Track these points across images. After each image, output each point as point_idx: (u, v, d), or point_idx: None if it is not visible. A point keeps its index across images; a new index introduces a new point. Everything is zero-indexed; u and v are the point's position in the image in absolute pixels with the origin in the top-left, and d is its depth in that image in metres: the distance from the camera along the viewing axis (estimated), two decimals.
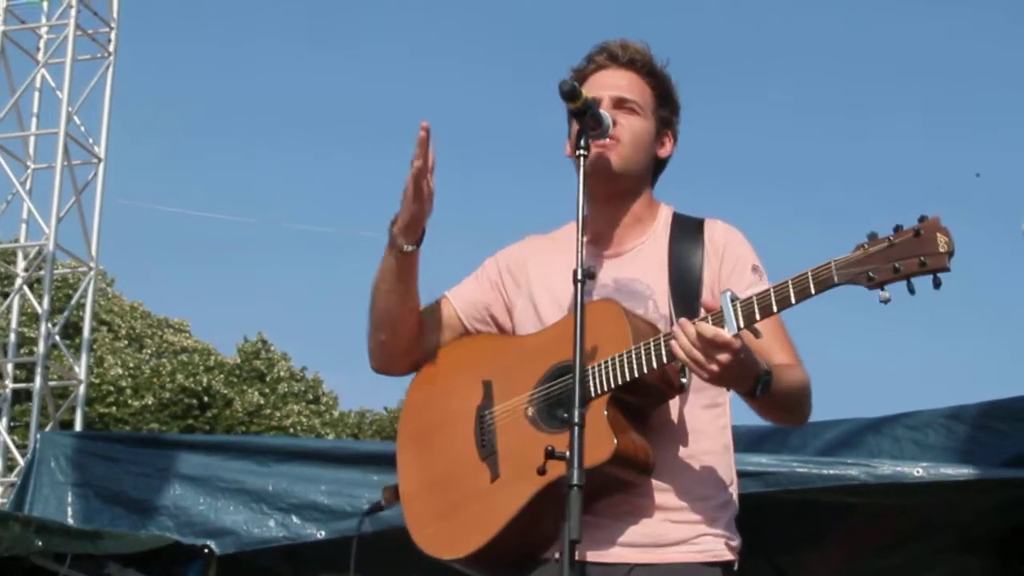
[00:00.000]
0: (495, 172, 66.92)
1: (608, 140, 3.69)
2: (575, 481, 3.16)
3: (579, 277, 3.39)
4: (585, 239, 3.47)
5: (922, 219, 3.10)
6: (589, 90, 3.76)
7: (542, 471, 3.31)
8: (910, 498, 6.59)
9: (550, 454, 3.26)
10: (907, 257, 3.07)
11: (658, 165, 3.92)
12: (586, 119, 3.56)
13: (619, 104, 3.78)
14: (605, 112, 3.65)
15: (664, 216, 3.85)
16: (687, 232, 3.77)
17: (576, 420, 3.23)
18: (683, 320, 3.33)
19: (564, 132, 3.90)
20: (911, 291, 3.10)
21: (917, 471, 6.27)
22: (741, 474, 6.30)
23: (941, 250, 3.05)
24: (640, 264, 3.75)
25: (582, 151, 3.53)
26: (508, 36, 68.83)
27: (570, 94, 3.51)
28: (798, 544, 7.73)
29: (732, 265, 3.70)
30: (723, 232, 3.77)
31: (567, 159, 3.83)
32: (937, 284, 3.08)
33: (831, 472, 6.37)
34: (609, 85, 3.81)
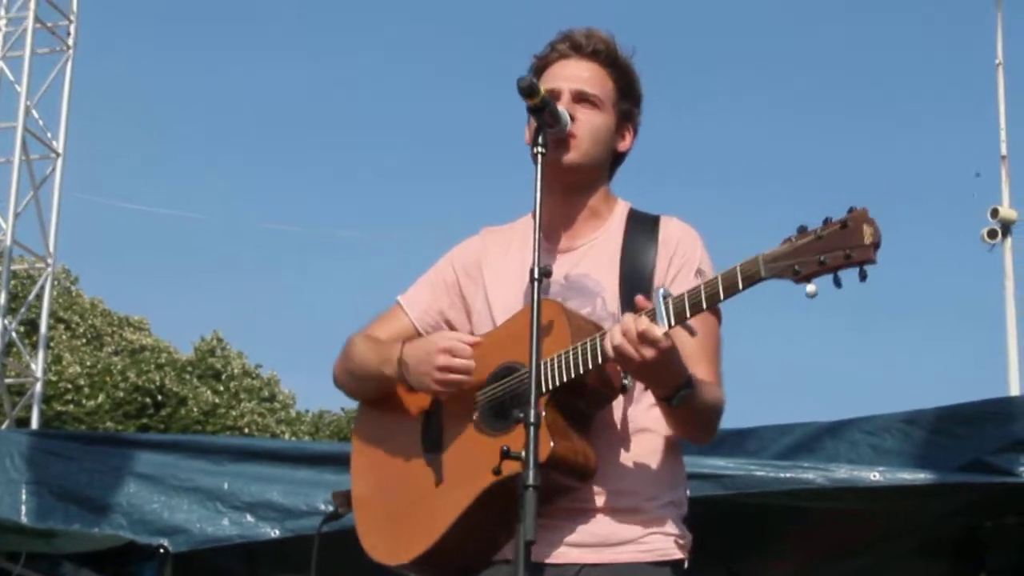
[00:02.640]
0: (448, 173, 66.78)
1: (566, 136, 3.66)
2: (530, 482, 3.14)
3: (536, 276, 3.37)
4: (540, 233, 3.45)
5: (851, 211, 3.06)
6: (550, 80, 3.74)
7: (497, 471, 3.28)
8: (867, 503, 6.60)
9: (505, 454, 3.23)
10: (833, 250, 3.03)
11: (616, 159, 3.88)
12: (544, 115, 3.53)
13: (579, 98, 3.73)
14: (563, 109, 3.63)
15: (620, 211, 3.82)
16: (641, 229, 3.73)
17: (532, 420, 3.20)
18: (622, 318, 3.30)
19: (523, 120, 3.83)
20: (837, 284, 3.06)
21: (874, 475, 6.29)
22: (698, 476, 6.37)
23: (867, 242, 3.00)
24: (591, 260, 3.72)
25: (540, 148, 3.51)
26: (477, 34, 68.81)
27: (528, 91, 3.48)
28: (755, 548, 7.74)
29: (679, 266, 3.67)
30: (677, 231, 3.73)
31: (526, 147, 3.78)
32: (863, 277, 3.04)
33: (788, 476, 6.38)
34: (570, 77, 3.76)
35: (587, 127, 3.71)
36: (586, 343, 3.36)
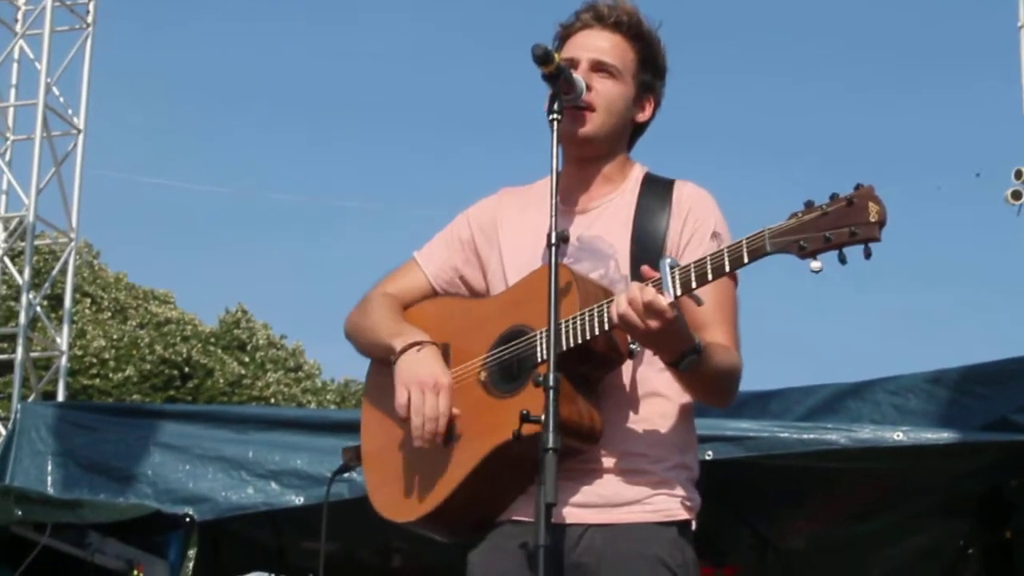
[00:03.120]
0: (474, 144, 66.75)
1: (581, 104, 3.65)
2: (550, 445, 3.14)
3: (553, 241, 3.37)
4: (557, 198, 3.44)
5: (857, 187, 3.06)
6: (571, 50, 3.73)
7: (517, 435, 3.29)
8: (891, 462, 6.61)
9: (525, 418, 3.23)
10: (839, 226, 3.04)
11: (636, 129, 3.86)
12: (559, 83, 3.52)
13: (597, 67, 3.70)
14: (579, 76, 3.61)
15: (635, 175, 3.79)
16: (655, 192, 3.71)
17: (552, 384, 3.21)
18: (628, 287, 3.30)
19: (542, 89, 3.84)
20: (842, 261, 3.06)
21: (897, 435, 6.29)
22: (721, 439, 6.38)
23: (872, 219, 3.00)
24: (605, 221, 3.70)
25: (555, 115, 3.50)
26: (490, 8, 68.64)
27: (543, 58, 3.46)
28: (779, 510, 7.76)
29: (692, 230, 3.64)
30: (690, 194, 3.71)
31: (532, 130, 3.82)
32: (868, 254, 3.04)
33: (811, 437, 6.39)
34: (590, 47, 3.73)
35: (603, 96, 3.69)
36: (594, 309, 3.36)
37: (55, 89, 15.39)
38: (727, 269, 3.19)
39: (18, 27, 15.55)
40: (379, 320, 3.80)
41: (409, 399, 3.53)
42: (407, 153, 63.35)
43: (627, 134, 3.83)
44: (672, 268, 3.23)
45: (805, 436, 6.41)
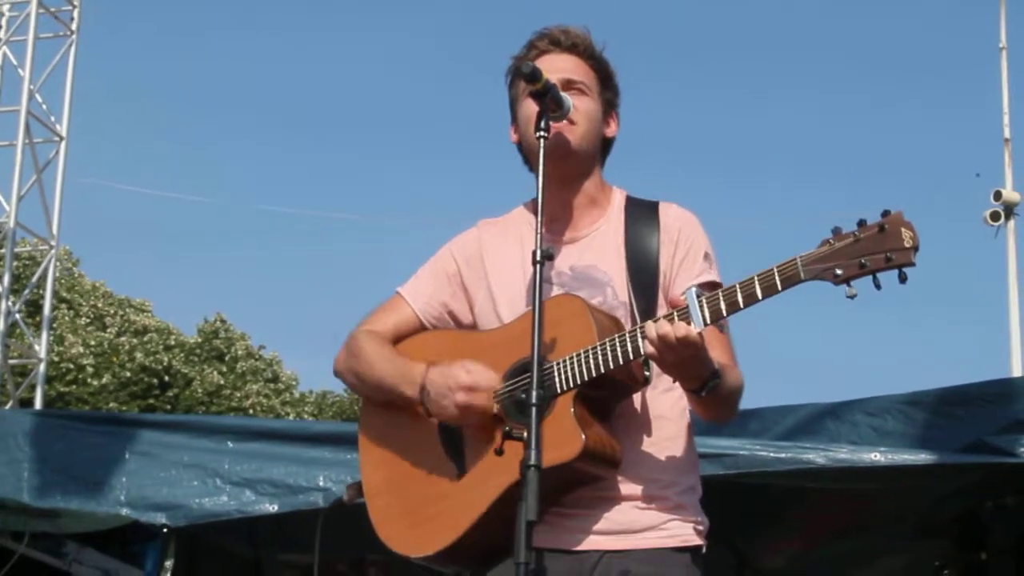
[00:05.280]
0: (446, 157, 66.78)
1: (566, 122, 3.67)
2: (532, 462, 3.15)
3: (538, 259, 3.38)
4: (542, 218, 3.46)
5: (886, 213, 3.10)
6: None
7: (500, 452, 3.30)
8: (868, 483, 6.62)
9: (507, 434, 3.25)
10: (873, 253, 3.08)
11: (605, 146, 3.91)
12: (546, 101, 3.55)
13: (567, 86, 3.74)
14: (564, 94, 3.64)
15: (618, 199, 3.84)
16: (642, 216, 3.76)
17: (534, 401, 3.22)
18: (656, 319, 3.32)
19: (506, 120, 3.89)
20: (877, 286, 3.11)
21: (875, 456, 6.31)
22: (700, 456, 6.37)
23: (906, 245, 3.05)
24: (596, 249, 3.73)
25: (542, 133, 3.53)
26: (464, 24, 68.76)
27: (531, 76, 3.49)
28: (757, 528, 7.76)
29: (685, 252, 3.69)
30: (677, 216, 3.76)
31: (509, 144, 3.86)
32: (903, 279, 3.08)
33: (789, 456, 6.40)
34: (555, 68, 3.76)
35: (583, 111, 3.75)
36: (614, 340, 3.38)
37: (38, 96, 15.37)
38: (759, 298, 3.21)
39: (1, 33, 15.53)
40: (378, 366, 3.79)
41: (456, 417, 3.55)
42: (392, 165, 63.37)
43: (599, 151, 3.87)
44: (699, 297, 3.25)
45: (783, 455, 6.42)
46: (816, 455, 6.38)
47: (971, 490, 6.85)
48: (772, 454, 6.43)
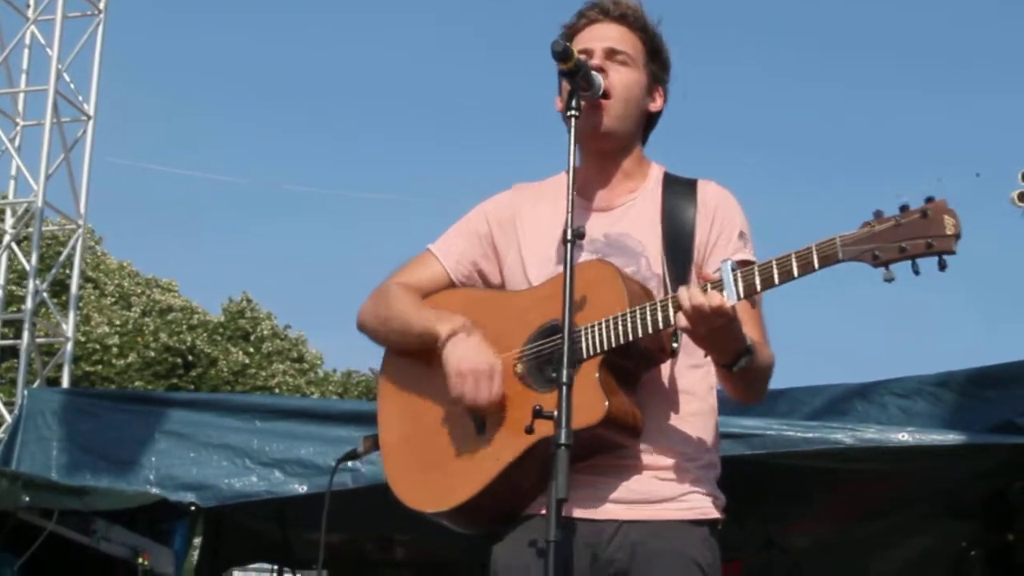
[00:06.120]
0: (483, 136, 66.78)
1: (599, 100, 3.66)
2: (562, 440, 3.14)
3: (569, 237, 3.37)
4: (574, 195, 3.45)
5: (929, 200, 3.08)
6: (581, 42, 3.74)
7: (529, 430, 3.29)
8: (896, 463, 6.61)
9: (538, 413, 3.24)
10: (914, 238, 3.06)
11: (649, 120, 3.89)
12: (577, 79, 3.53)
13: (610, 55, 3.74)
14: (596, 73, 3.62)
15: (655, 174, 3.82)
16: (680, 191, 3.74)
17: (564, 380, 3.21)
18: (689, 288, 3.30)
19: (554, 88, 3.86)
20: (916, 272, 3.09)
21: (903, 436, 6.30)
22: (728, 436, 6.38)
23: (948, 232, 3.03)
24: (631, 220, 3.71)
25: (573, 112, 3.51)
26: (499, 4, 68.67)
27: (562, 55, 3.47)
28: (784, 509, 7.76)
29: (720, 229, 3.67)
30: (715, 194, 3.74)
31: (557, 113, 3.79)
32: (943, 266, 3.07)
33: (817, 436, 6.40)
34: (600, 37, 3.76)
35: (620, 85, 3.71)
36: (645, 307, 3.36)
37: (66, 75, 15.38)
38: (796, 275, 3.18)
39: (30, 12, 15.52)
40: (407, 308, 3.77)
41: (465, 385, 3.50)
42: (420, 146, 63.38)
43: (642, 125, 3.85)
44: (734, 271, 3.23)
45: (811, 435, 6.42)
46: (844, 435, 6.38)
47: (999, 471, 6.83)
48: (800, 434, 6.43)
